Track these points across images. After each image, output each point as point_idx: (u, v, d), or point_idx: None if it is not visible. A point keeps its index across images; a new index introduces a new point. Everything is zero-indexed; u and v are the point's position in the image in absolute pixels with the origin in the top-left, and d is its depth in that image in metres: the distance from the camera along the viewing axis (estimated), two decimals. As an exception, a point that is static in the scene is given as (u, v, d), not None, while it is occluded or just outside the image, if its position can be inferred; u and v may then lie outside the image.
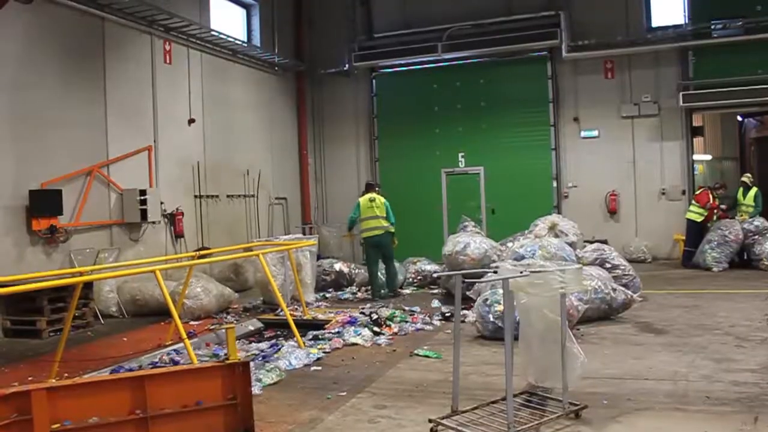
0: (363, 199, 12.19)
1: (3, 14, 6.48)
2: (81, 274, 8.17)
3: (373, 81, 18.21)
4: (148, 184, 12.46)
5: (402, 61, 17.50)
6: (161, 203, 12.50)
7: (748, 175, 15.00)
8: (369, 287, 12.04)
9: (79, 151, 11.14)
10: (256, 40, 16.35)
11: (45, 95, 10.57)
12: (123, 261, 11.08)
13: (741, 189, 14.68)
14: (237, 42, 15.12)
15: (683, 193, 15.51)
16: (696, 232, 14.13)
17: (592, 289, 8.70)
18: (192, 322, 10.02)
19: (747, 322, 8.43)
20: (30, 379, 6.94)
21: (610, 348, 7.48)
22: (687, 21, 15.41)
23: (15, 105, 10.07)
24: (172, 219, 12.98)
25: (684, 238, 14.53)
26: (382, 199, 12.22)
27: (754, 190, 14.35)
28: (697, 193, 14.42)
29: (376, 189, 12.62)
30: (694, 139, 16.18)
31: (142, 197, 11.88)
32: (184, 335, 6.73)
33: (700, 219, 14.09)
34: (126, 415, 4.29)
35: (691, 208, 14.38)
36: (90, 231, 11.31)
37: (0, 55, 9.90)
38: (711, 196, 14.13)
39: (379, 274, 11.94)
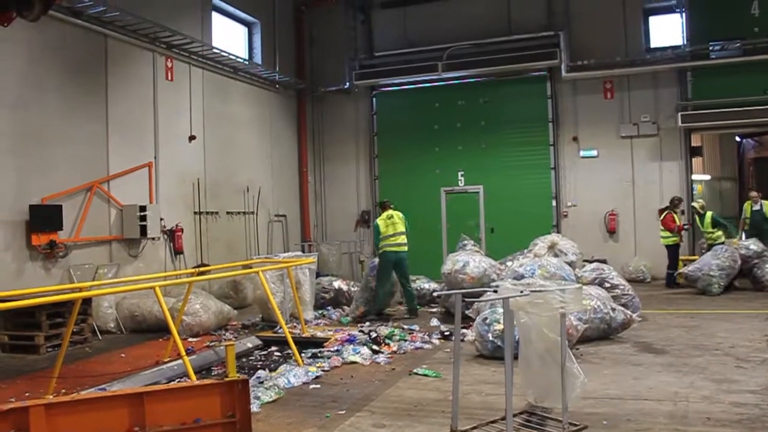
0: (380, 219, 11.95)
1: (7, 31, 6.56)
2: (80, 289, 8.15)
3: (374, 99, 18.32)
4: (148, 200, 12.49)
5: (402, 80, 17.62)
6: (161, 219, 12.51)
7: (700, 201, 14.48)
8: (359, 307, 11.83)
9: (80, 167, 11.17)
10: (258, 58, 16.47)
11: (47, 111, 10.62)
12: (122, 277, 11.06)
13: (696, 217, 14.26)
14: (238, 60, 15.22)
15: (682, 213, 15.51)
16: (675, 254, 14.12)
17: (592, 309, 8.69)
18: (191, 339, 10.00)
19: (747, 343, 8.41)
20: (27, 395, 6.90)
21: (609, 368, 7.46)
22: (685, 42, 15.54)
23: (17, 120, 10.12)
24: (172, 235, 12.99)
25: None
26: (400, 214, 11.96)
27: (709, 216, 13.87)
28: (662, 218, 14.15)
29: (391, 206, 12.17)
30: (693, 159, 16.24)
31: (142, 213, 11.91)
32: (183, 352, 6.71)
33: (674, 241, 14.02)
34: (124, 432, 4.26)
35: (662, 233, 14.15)
36: (89, 246, 11.31)
37: (3, 71, 9.98)
38: (676, 218, 14.03)
39: (381, 293, 11.67)
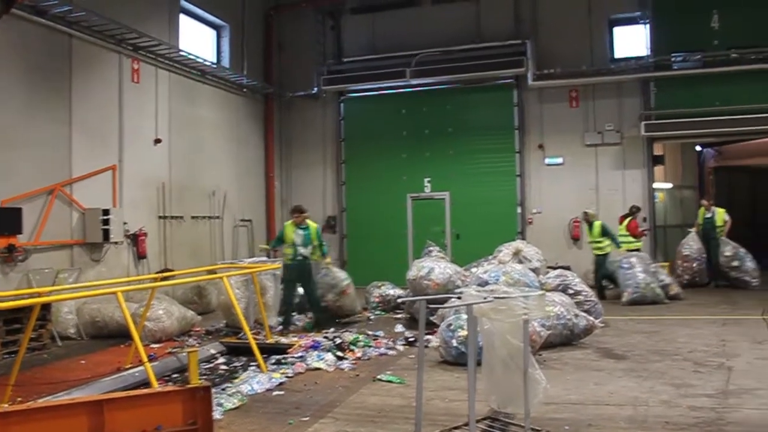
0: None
1: (-34, 30, 6.48)
2: (39, 294, 8.00)
3: (342, 105, 18.32)
4: (112, 203, 12.31)
5: (370, 86, 17.68)
6: (124, 223, 12.35)
7: (591, 209, 14.34)
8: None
9: (41, 169, 10.96)
10: (226, 62, 16.37)
11: (7, 112, 10.41)
12: (84, 282, 10.89)
13: (586, 227, 14.18)
14: (206, 63, 15.12)
15: (644, 220, 15.75)
16: None
17: (555, 315, 8.79)
18: (153, 345, 9.85)
19: (705, 348, 8.59)
20: (-17, 402, 6.75)
21: (572, 373, 7.55)
22: (649, 53, 15.84)
23: (-24, 121, 9.91)
24: (135, 240, 12.81)
25: None
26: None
27: (598, 225, 13.74)
28: (627, 224, 14.32)
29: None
30: (655, 168, 16.55)
31: (105, 217, 11.73)
32: (145, 358, 6.63)
33: (637, 247, 14.24)
34: (82, 440, 4.19)
35: (627, 238, 14.18)
36: (50, 250, 11.10)
37: (-38, 70, 9.78)
38: (639, 223, 14.37)
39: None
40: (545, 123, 16.72)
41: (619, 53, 16.56)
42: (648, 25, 15.90)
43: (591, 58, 16.21)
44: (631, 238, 14.24)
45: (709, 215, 14.92)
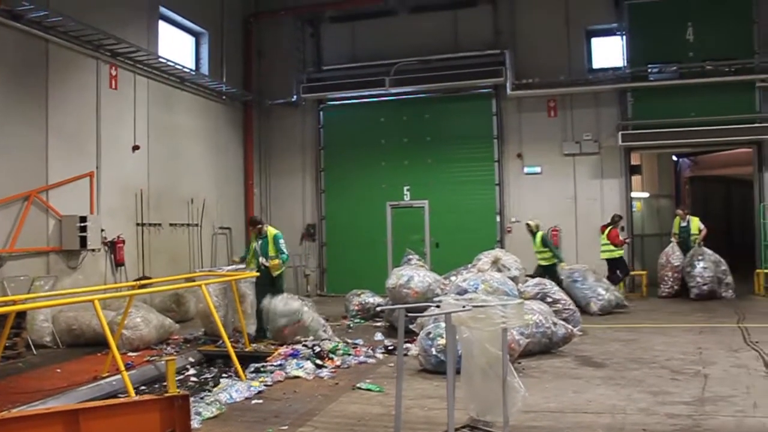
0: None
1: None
2: (14, 302, 7.90)
3: (321, 113, 18.31)
4: (89, 210, 12.18)
5: (350, 94, 17.69)
6: (102, 230, 12.21)
7: (535, 220, 14.28)
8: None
9: (16, 175, 10.82)
10: (205, 69, 16.30)
11: (-18, 118, 10.28)
12: (60, 289, 10.74)
13: (531, 236, 14.10)
14: (185, 69, 15.04)
15: (622, 229, 15.87)
16: (624, 263, 14.62)
17: (534, 324, 8.83)
18: (130, 353, 9.75)
19: (682, 356, 8.67)
20: (-45, 412, 6.64)
21: (550, 382, 7.58)
22: (626, 64, 16.03)
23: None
24: (113, 247, 12.68)
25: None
26: None
27: (539, 236, 13.79)
28: (608, 233, 14.47)
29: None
30: (633, 177, 16.71)
31: (82, 224, 11.60)
32: (122, 367, 6.57)
33: (620, 254, 14.45)
34: (58, 450, 4.13)
35: (605, 248, 14.45)
36: (25, 258, 10.95)
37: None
38: (619, 232, 14.59)
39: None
40: (524, 132, 16.82)
41: (596, 64, 16.74)
42: (624, 37, 16.07)
43: (569, 68, 16.36)
44: (612, 247, 14.39)
45: (684, 224, 15.13)
